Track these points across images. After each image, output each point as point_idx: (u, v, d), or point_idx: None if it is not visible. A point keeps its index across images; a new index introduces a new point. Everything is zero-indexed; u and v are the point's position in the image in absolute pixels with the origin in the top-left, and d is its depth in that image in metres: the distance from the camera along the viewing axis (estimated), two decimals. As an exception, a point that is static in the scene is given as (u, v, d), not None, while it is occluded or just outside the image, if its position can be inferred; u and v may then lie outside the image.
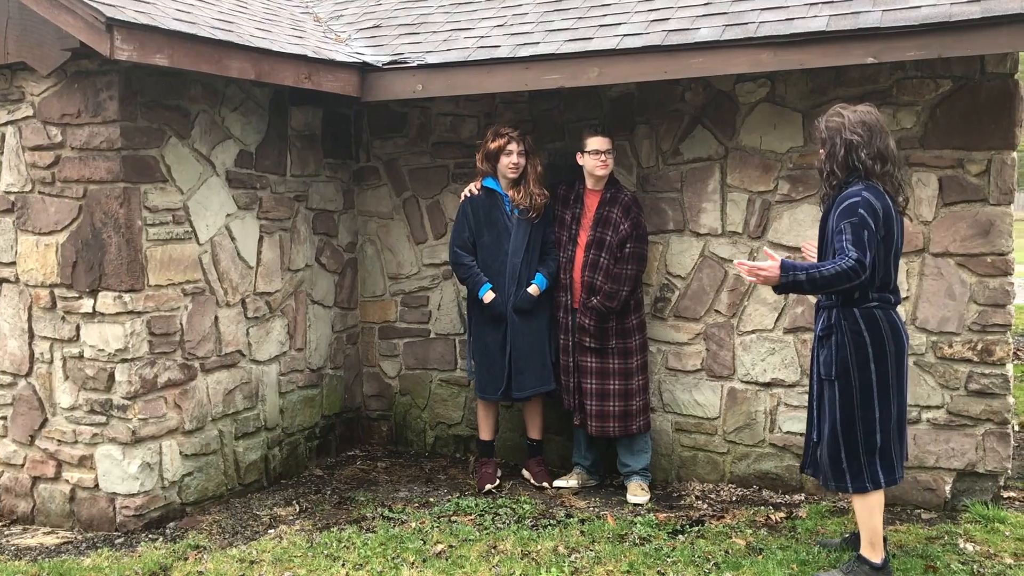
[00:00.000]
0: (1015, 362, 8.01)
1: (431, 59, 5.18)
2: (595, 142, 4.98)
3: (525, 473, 5.35)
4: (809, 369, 3.96)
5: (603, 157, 4.95)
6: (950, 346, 4.69)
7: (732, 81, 5.03)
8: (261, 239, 5.32)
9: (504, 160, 5.10)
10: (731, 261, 5.04)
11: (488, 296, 5.08)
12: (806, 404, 4.61)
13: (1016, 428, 5.88)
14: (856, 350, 3.66)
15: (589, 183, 5.07)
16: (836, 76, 4.82)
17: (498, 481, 5.20)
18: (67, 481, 4.71)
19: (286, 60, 4.88)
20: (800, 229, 4.95)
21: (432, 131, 5.85)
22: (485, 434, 5.35)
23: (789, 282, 3.56)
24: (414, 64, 5.20)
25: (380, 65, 5.29)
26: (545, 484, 5.21)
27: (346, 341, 6.04)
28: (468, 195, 5.22)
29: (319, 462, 5.76)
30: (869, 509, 3.72)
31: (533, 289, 5.04)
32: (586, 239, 5.00)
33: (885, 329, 3.69)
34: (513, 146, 5.09)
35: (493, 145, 5.13)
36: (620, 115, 5.33)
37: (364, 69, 5.31)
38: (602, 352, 4.96)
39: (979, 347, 4.63)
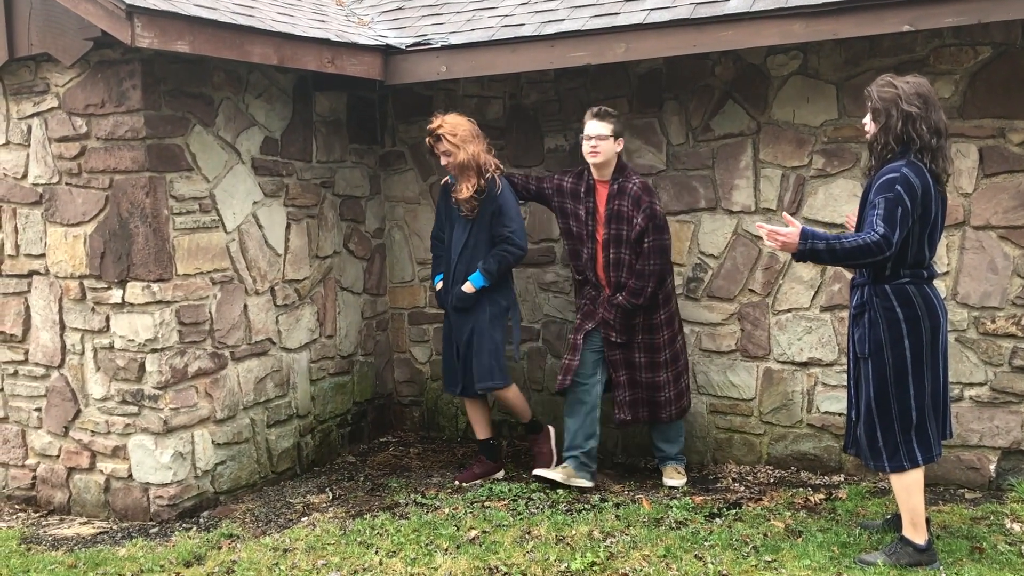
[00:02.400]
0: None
1: (455, 40, 5.11)
2: (588, 127, 4.67)
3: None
4: (846, 347, 3.86)
5: (594, 143, 4.62)
6: (992, 321, 4.57)
7: (763, 54, 4.93)
8: (288, 226, 5.30)
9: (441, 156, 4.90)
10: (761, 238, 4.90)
11: (437, 286, 5.03)
12: (844, 383, 4.58)
13: (1062, 404, 5.74)
14: (889, 327, 3.60)
15: (594, 173, 4.78)
16: (870, 46, 4.70)
17: (479, 481, 5.00)
18: (101, 471, 4.74)
19: (308, 44, 4.84)
20: (836, 204, 4.84)
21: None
22: (477, 432, 5.16)
23: (807, 250, 3.48)
24: (438, 45, 5.14)
25: (403, 47, 5.24)
26: (461, 483, 4.96)
27: (376, 327, 6.02)
28: (443, 184, 5.10)
29: (351, 449, 5.76)
30: (907, 489, 3.63)
31: (467, 287, 4.84)
32: (602, 236, 4.75)
33: (919, 304, 3.60)
34: (438, 145, 4.86)
35: (427, 142, 4.95)
36: (648, 91, 5.24)
37: (387, 52, 5.26)
38: (628, 347, 4.80)
39: (1023, 322, 4.51)
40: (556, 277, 5.60)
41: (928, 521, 3.80)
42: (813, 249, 3.47)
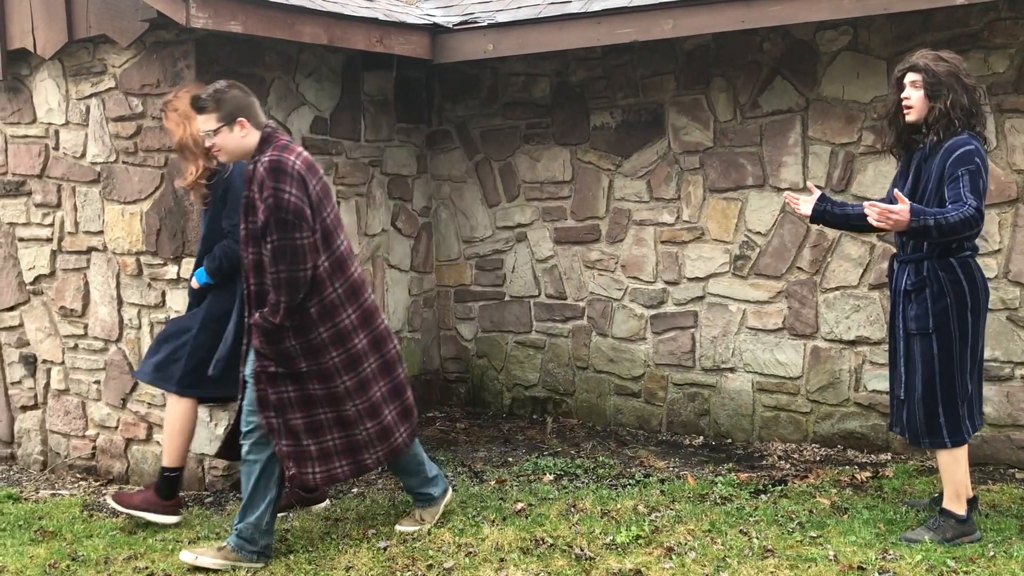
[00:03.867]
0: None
1: (501, 18, 5.13)
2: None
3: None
4: (890, 326, 3.80)
5: (211, 143, 3.63)
6: (1047, 300, 4.50)
7: (812, 29, 4.88)
8: (338, 204, 5.35)
9: None
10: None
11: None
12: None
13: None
14: (957, 300, 3.58)
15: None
16: (923, 20, 4.63)
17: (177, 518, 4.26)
18: (158, 443, 4.87)
19: (358, 24, 4.89)
20: (885, 181, 4.77)
21: (503, 92, 5.82)
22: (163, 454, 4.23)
23: (919, 227, 3.38)
24: (484, 24, 5.17)
25: (451, 26, 5.27)
26: (116, 504, 4.22)
27: (423, 305, 6.08)
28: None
29: (398, 424, 5.83)
30: (957, 461, 3.65)
31: (192, 282, 4.18)
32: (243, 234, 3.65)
33: (979, 277, 3.65)
34: (165, 122, 4.15)
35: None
36: (696, 68, 5.22)
37: (435, 31, 5.30)
38: (297, 379, 3.62)
39: (1078, 300, 4.44)
40: (601, 255, 5.63)
41: (975, 500, 3.78)
42: (925, 226, 3.38)
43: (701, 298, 5.35)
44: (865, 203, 3.47)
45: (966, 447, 3.67)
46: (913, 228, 3.39)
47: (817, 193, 3.88)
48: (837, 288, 4.98)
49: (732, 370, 5.28)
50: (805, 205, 3.90)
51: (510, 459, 5.05)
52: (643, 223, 5.46)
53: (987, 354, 4.54)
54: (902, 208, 3.37)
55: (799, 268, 5.06)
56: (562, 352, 5.77)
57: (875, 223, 3.43)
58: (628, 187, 5.49)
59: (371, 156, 5.63)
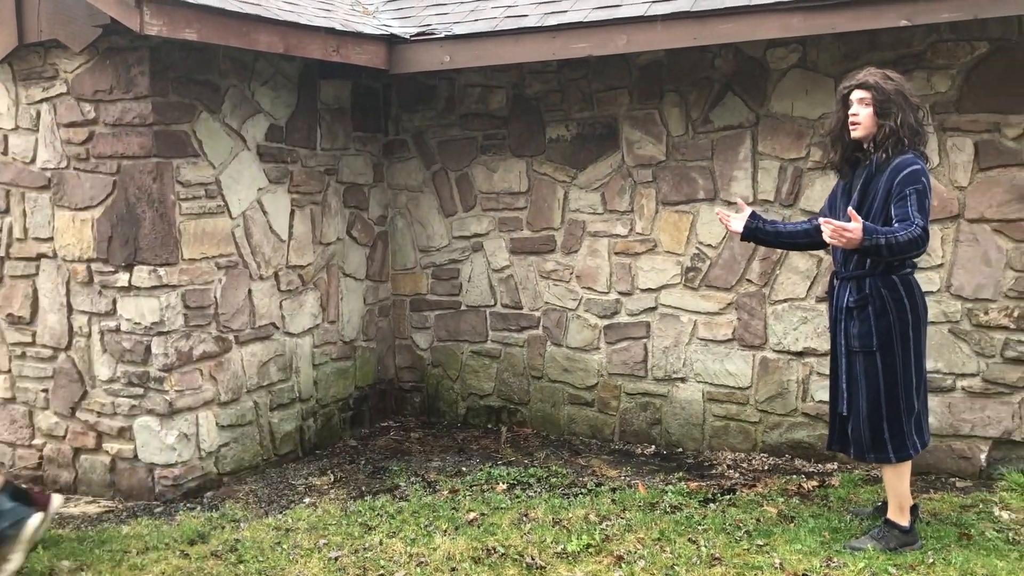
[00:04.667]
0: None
1: (458, 30, 5.15)
2: None
3: None
4: (832, 342, 3.84)
5: None
6: (986, 313, 4.62)
7: (763, 47, 4.96)
8: (293, 213, 5.35)
9: None
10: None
11: None
12: (838, 372, 4.60)
13: (1054, 396, 5.78)
14: (899, 317, 3.60)
15: None
16: (869, 40, 4.73)
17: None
18: (107, 452, 4.80)
19: (314, 33, 4.88)
20: (832, 196, 4.88)
21: (460, 103, 5.84)
22: None
23: (871, 245, 3.40)
24: (441, 35, 5.18)
25: (407, 37, 5.28)
26: None
27: (378, 314, 6.07)
28: None
29: (353, 433, 5.82)
30: (900, 475, 3.69)
31: None
32: None
33: (919, 294, 3.68)
34: None
35: None
36: (649, 83, 5.29)
37: (391, 41, 5.30)
38: None
39: (1016, 314, 4.57)
40: (556, 266, 5.66)
41: (916, 507, 3.86)
42: (876, 244, 3.40)
43: (653, 309, 5.40)
44: (820, 220, 3.49)
45: (910, 461, 3.73)
46: (865, 247, 3.41)
47: (748, 210, 3.96)
48: (785, 300, 5.06)
49: (683, 380, 5.34)
50: (736, 222, 3.98)
51: (464, 468, 5.05)
52: (598, 234, 5.51)
53: (930, 366, 4.64)
54: (855, 226, 3.39)
55: (748, 280, 5.14)
56: (517, 362, 5.80)
57: (829, 240, 3.44)
58: (583, 199, 5.53)
59: (327, 164, 5.62)
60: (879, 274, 3.62)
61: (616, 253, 5.47)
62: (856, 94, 3.65)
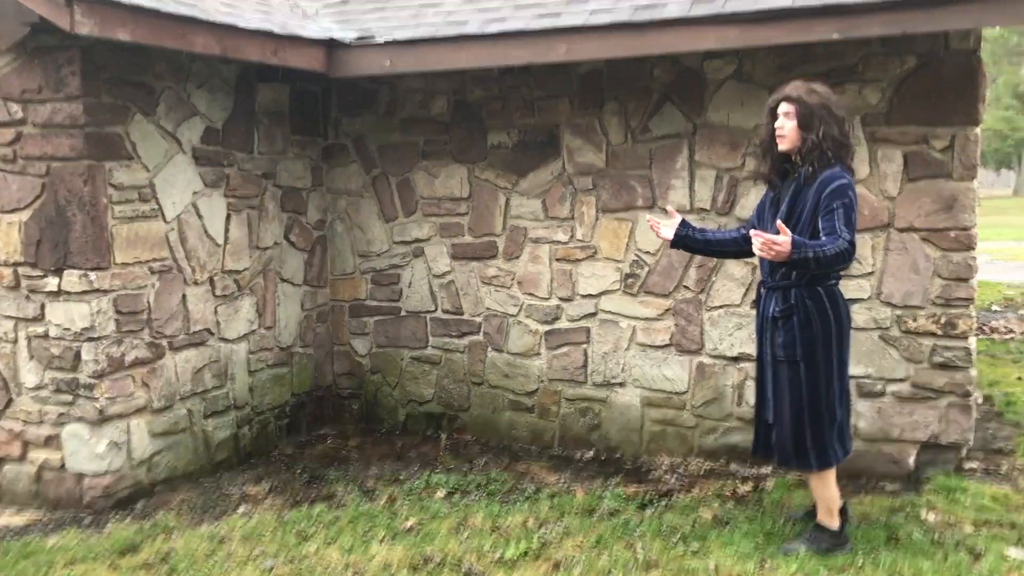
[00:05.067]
0: (978, 336, 8.13)
1: (399, 35, 5.13)
2: None
3: None
4: (759, 351, 3.90)
5: None
6: (914, 320, 4.75)
7: (700, 58, 5.04)
8: (229, 217, 5.27)
9: None
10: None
11: None
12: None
13: (979, 400, 5.97)
14: (823, 328, 3.66)
15: None
16: (803, 53, 4.82)
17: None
18: (33, 461, 4.67)
19: (252, 36, 4.82)
20: (767, 205, 4.97)
21: (402, 108, 5.81)
22: None
23: (800, 258, 3.44)
24: (382, 40, 5.16)
25: (348, 41, 5.24)
26: None
27: (316, 319, 6.02)
28: None
29: (289, 441, 5.75)
30: (825, 482, 3.77)
31: None
32: None
33: (843, 306, 3.73)
34: None
35: None
36: (590, 91, 5.33)
37: (331, 45, 5.26)
38: None
39: (943, 321, 4.69)
40: (498, 271, 5.67)
41: (844, 510, 3.94)
42: (805, 257, 3.44)
43: (593, 315, 5.44)
44: (751, 232, 3.53)
45: (834, 468, 3.80)
46: (794, 259, 3.45)
47: (678, 218, 4.01)
48: (721, 307, 5.14)
49: (622, 385, 5.39)
50: (666, 230, 4.03)
51: (402, 476, 5.03)
52: (539, 241, 5.54)
53: (860, 371, 4.79)
54: (785, 240, 3.42)
55: (686, 287, 5.21)
56: (458, 368, 5.80)
57: (759, 253, 3.47)
58: (524, 205, 5.56)
59: (264, 168, 5.55)
60: (804, 285, 3.67)
61: (557, 259, 5.50)
62: (782, 107, 3.71)
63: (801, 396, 3.68)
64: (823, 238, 3.52)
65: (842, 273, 3.79)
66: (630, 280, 5.33)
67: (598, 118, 5.33)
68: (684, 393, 5.25)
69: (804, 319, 3.66)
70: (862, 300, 4.80)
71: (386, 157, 5.89)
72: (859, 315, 4.79)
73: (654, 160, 5.22)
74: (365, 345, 6.06)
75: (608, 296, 5.40)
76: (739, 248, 3.99)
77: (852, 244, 3.49)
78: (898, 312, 4.77)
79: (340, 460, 5.39)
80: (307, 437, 5.88)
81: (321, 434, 5.93)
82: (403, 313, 5.94)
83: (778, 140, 3.72)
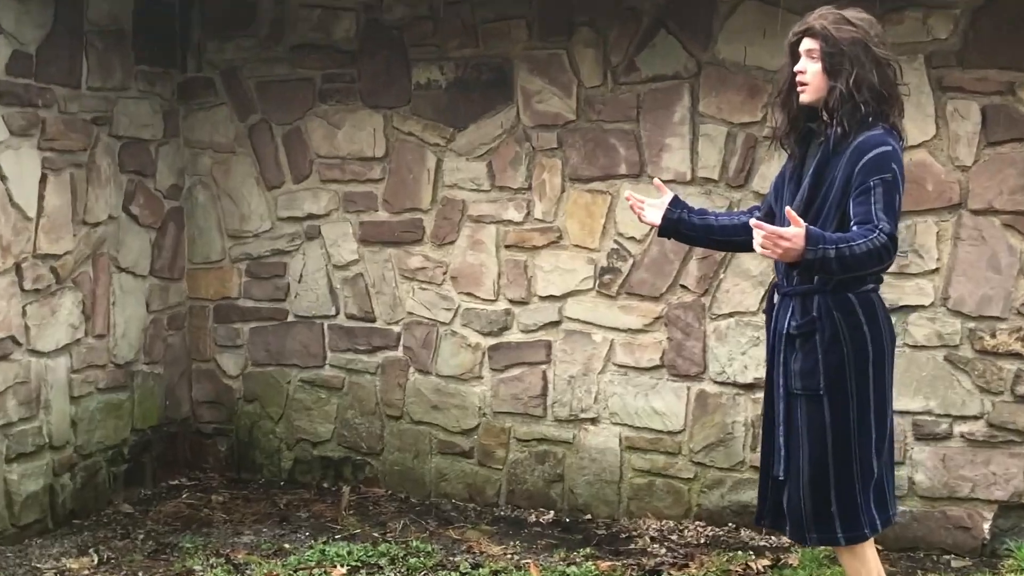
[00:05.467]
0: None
1: (289, -73, 5.06)
2: None
3: None
4: (768, 379, 3.85)
5: None
6: (993, 335, 4.75)
7: (708, -31, 5.04)
8: (44, 179, 5.18)
9: None
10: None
11: None
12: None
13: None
14: (855, 351, 3.59)
15: None
16: (848, -34, 4.82)
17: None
18: None
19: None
20: (797, 175, 4.96)
21: (291, 29, 5.76)
22: None
23: (816, 259, 3.35)
24: (265, -68, 5.08)
25: (216, -66, 5.15)
26: None
27: (167, 326, 5.95)
28: None
29: (128, 495, 5.67)
30: (861, 559, 3.70)
31: None
32: None
33: (883, 320, 3.66)
34: None
35: None
36: (555, 13, 5.30)
37: (193, -62, 5.17)
38: None
39: (1030, 337, 4.73)
40: (424, 262, 5.62)
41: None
42: (823, 258, 3.36)
43: (556, 323, 5.41)
44: (752, 221, 3.44)
45: (871, 542, 3.72)
46: (808, 260, 3.37)
47: (668, 195, 3.92)
48: (731, 314, 5.13)
49: (594, 421, 5.36)
50: (651, 211, 3.94)
51: (287, 545, 4.98)
52: (482, 220, 5.51)
53: (920, 405, 4.82)
54: (795, 232, 3.34)
55: (683, 287, 5.19)
56: (367, 395, 5.75)
57: (761, 251, 3.40)
58: (462, 170, 5.52)
59: (96, 111, 5.47)
60: (831, 291, 3.61)
61: (507, 246, 5.47)
62: (804, 44, 3.63)
63: (825, 443, 3.61)
64: (853, 228, 3.46)
65: (885, 274, 3.72)
66: (607, 276, 5.30)
67: (566, 50, 5.28)
68: (679, 433, 5.23)
69: (830, 338, 3.60)
70: (922, 308, 4.82)
71: (269, 98, 5.82)
72: (918, 328, 4.80)
73: (643, 110, 5.18)
74: (237, 362, 6.00)
75: (577, 298, 5.36)
76: (750, 238, 3.90)
77: (892, 238, 3.42)
78: (971, 325, 4.78)
79: (200, 522, 5.32)
80: (154, 489, 5.81)
81: (174, 485, 5.87)
82: (291, 318, 5.89)
83: (799, 89, 3.65)
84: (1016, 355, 4.74)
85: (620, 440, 5.33)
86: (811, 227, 3.38)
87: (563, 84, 5.31)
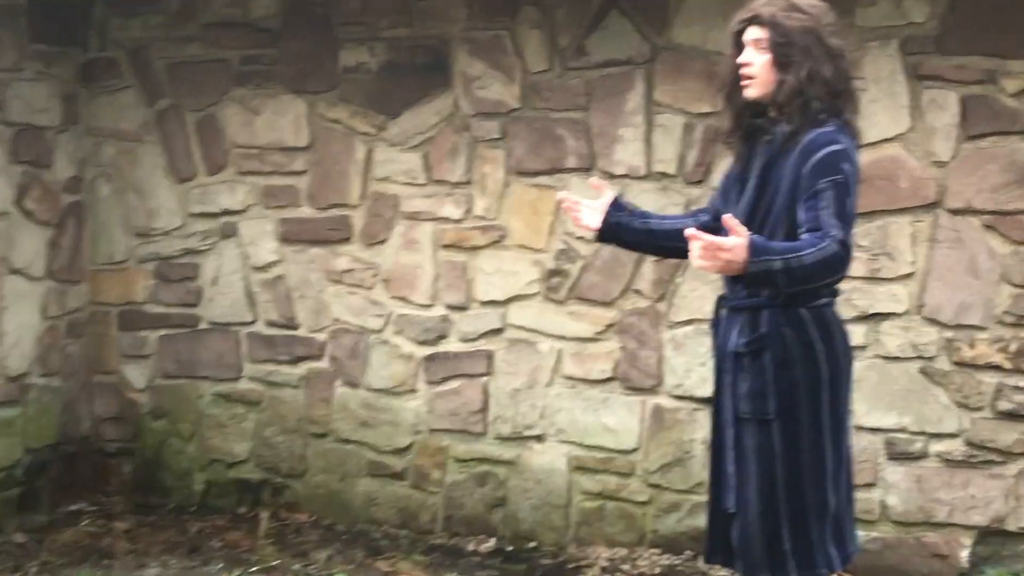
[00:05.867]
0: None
1: None
2: None
3: None
4: (715, 403, 3.84)
5: None
6: (972, 346, 4.78)
7: (665, -57, 5.05)
8: (-76, 170, 5.11)
9: None
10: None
11: None
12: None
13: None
14: (807, 372, 3.56)
15: None
16: (817, -59, 4.86)
17: None
18: None
19: None
20: (761, 170, 5.00)
21: (206, 4, 5.76)
22: None
23: (760, 271, 3.29)
24: None
25: None
26: None
27: (66, 333, 5.92)
28: None
29: (21, 522, 5.62)
30: None
31: None
32: None
33: (839, 338, 3.64)
34: None
35: None
36: (497, -10, 5.32)
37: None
38: None
39: (1013, 348, 4.74)
40: (353, 263, 5.62)
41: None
42: (768, 270, 3.30)
43: (499, 331, 5.43)
44: (687, 231, 3.35)
45: None
46: (752, 273, 3.32)
47: (608, 194, 3.85)
48: (689, 322, 5.14)
49: (540, 439, 5.37)
50: (589, 215, 3.87)
51: (198, 579, 4.94)
52: (417, 217, 5.52)
53: (893, 422, 4.85)
54: (737, 243, 3.27)
55: (637, 291, 5.21)
56: (288, 410, 5.75)
57: (699, 264, 3.33)
58: (395, 162, 5.52)
59: (-16, 94, 5.43)
60: (782, 305, 3.57)
61: (445, 246, 5.48)
62: (749, 33, 3.58)
63: (775, 473, 3.58)
64: (803, 237, 3.43)
65: (853, 279, 3.73)
66: (555, 280, 5.31)
67: (510, 32, 5.30)
68: (633, 452, 5.24)
69: (781, 357, 3.56)
70: (895, 316, 4.84)
71: (180, 81, 5.82)
72: (890, 338, 4.83)
73: (593, 98, 5.21)
74: (144, 374, 5.98)
75: (522, 304, 5.38)
76: None
77: (846, 246, 3.36)
78: (948, 334, 4.81)
79: (101, 553, 5.29)
80: (50, 516, 5.77)
81: (73, 511, 5.82)
82: (204, 325, 5.89)
83: (744, 83, 3.61)
84: (997, 368, 4.76)
85: (568, 460, 5.34)
86: (754, 236, 3.30)
87: (506, 68, 5.32)
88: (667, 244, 3.87)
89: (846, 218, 3.38)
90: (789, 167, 3.47)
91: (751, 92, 3.56)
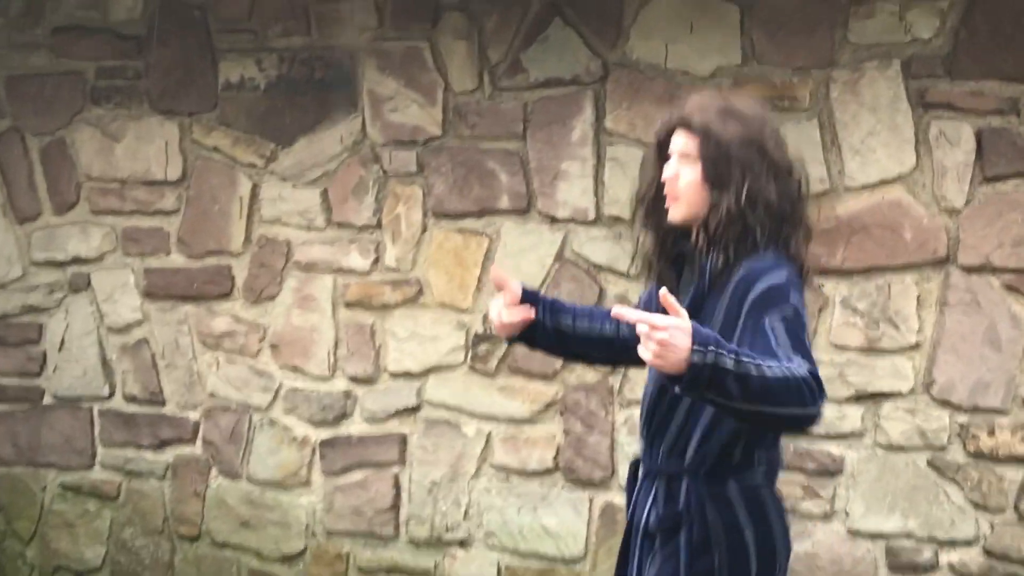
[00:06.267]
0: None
1: None
2: None
3: None
4: None
5: None
6: (991, 433, 4.63)
7: (618, -61, 4.98)
8: None
9: None
10: (610, 269, 5.00)
11: None
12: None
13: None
14: (731, 561, 3.36)
15: None
16: (802, -61, 4.84)
17: None
18: None
19: None
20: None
21: (54, 6, 5.72)
22: None
23: (707, 366, 2.95)
24: None
25: None
26: None
27: None
28: None
29: None
30: None
31: None
32: None
33: (776, 524, 3.43)
34: None
35: None
36: (416, -7, 5.16)
37: None
38: None
39: (1041, 436, 4.68)
40: (234, 324, 5.54)
41: None
42: (718, 366, 2.99)
43: (414, 410, 5.34)
44: (614, 311, 3.11)
45: None
46: (696, 368, 2.98)
47: (515, 287, 3.60)
48: (648, 400, 4.95)
49: (464, 544, 5.28)
50: (499, 310, 3.63)
51: None
52: (314, 268, 5.45)
53: (897, 526, 4.71)
54: (674, 322, 2.97)
55: (584, 361, 5.04)
56: (152, 507, 5.64)
57: (647, 357, 2.99)
58: (288, 200, 5.47)
59: None
60: (706, 475, 3.39)
61: (348, 304, 5.41)
62: (675, 141, 3.40)
63: None
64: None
65: (781, 458, 3.53)
66: (483, 347, 5.24)
67: (430, 43, 5.29)
68: (579, 561, 5.14)
69: (699, 541, 3.36)
70: (898, 396, 4.74)
71: (22, 98, 5.81)
72: (893, 423, 4.74)
73: (531, 125, 5.16)
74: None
75: (443, 376, 5.30)
76: (626, 344, 3.54)
77: (817, 379, 3.11)
78: (962, 419, 4.67)
79: None
80: None
81: None
82: (48, 400, 5.82)
83: (667, 204, 3.42)
84: (1021, 460, 4.61)
85: (499, 569, 5.23)
86: (696, 324, 3.00)
87: (425, 88, 5.28)
88: (585, 349, 3.72)
89: (806, 350, 3.14)
90: (722, 307, 3.23)
91: (675, 213, 3.33)
